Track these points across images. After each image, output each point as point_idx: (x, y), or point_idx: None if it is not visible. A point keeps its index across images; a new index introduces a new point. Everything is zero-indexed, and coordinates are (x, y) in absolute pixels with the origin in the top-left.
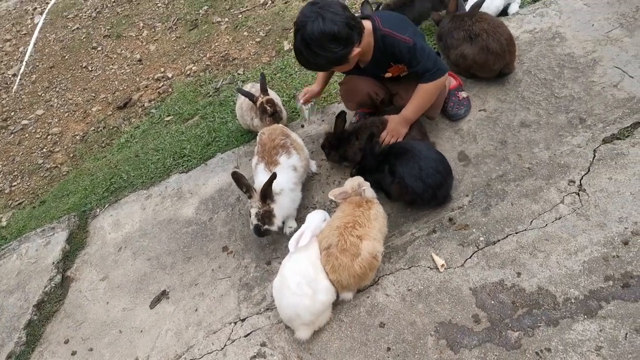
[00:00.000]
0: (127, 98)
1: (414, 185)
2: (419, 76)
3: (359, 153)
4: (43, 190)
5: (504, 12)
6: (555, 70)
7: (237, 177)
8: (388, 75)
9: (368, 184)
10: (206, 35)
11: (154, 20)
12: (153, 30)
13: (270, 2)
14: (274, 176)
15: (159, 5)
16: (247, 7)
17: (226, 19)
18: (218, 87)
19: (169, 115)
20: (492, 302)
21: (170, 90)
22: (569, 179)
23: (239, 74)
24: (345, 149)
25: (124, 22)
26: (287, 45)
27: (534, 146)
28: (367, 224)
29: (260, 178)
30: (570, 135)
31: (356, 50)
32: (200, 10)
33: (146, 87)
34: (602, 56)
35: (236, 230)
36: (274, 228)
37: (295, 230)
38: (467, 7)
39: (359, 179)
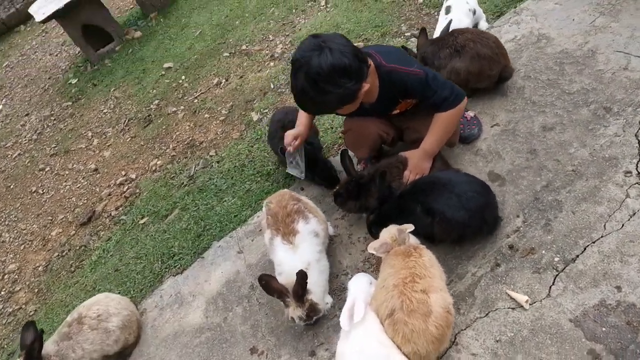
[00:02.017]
0: (90, 212)
1: (457, 216)
2: (436, 106)
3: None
4: (9, 339)
5: None
6: (555, 69)
7: (266, 283)
8: (396, 112)
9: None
10: (164, 127)
11: (102, 127)
12: (104, 136)
13: (224, 80)
14: (304, 276)
15: (104, 111)
16: (201, 90)
17: (182, 107)
18: (192, 174)
19: (143, 217)
20: (603, 329)
21: (137, 191)
22: (624, 170)
23: (210, 156)
24: (366, 198)
25: (69, 136)
26: (255, 116)
27: (568, 147)
28: (427, 274)
29: (279, 255)
30: (602, 126)
31: (366, 86)
32: (152, 106)
33: (109, 195)
34: (597, 45)
35: (261, 324)
36: (321, 313)
37: (332, 305)
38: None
39: (395, 227)
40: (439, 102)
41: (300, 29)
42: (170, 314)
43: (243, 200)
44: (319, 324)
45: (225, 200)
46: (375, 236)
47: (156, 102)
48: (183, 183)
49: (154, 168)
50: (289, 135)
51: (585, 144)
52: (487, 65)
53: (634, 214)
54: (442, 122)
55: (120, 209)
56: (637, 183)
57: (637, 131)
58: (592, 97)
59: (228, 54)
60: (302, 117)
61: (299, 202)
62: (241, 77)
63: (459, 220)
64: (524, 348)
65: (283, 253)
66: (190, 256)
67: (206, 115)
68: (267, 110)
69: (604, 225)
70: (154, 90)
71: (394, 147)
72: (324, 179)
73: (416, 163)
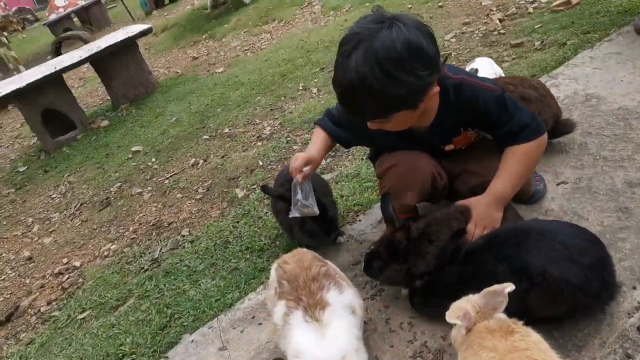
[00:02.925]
0: (12, 308)
1: (568, 275)
2: (512, 136)
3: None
4: None
5: None
6: (620, 125)
7: None
8: (450, 148)
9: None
10: (124, 209)
11: (48, 212)
12: (48, 222)
13: (202, 161)
14: None
15: (53, 196)
16: (173, 171)
17: (149, 188)
18: (156, 257)
19: (84, 311)
20: None
21: (80, 280)
22: None
23: (182, 235)
24: (415, 260)
25: (4, 223)
26: (240, 193)
27: None
28: None
29: (300, 339)
30: None
31: (435, 89)
32: (112, 188)
33: (41, 287)
34: None
35: None
36: None
37: None
38: None
39: (472, 296)
40: (517, 130)
41: (291, 112)
42: None
43: (227, 280)
44: None
45: (201, 283)
46: (424, 314)
47: (118, 184)
48: (144, 267)
49: (106, 253)
50: (298, 158)
51: None
52: (535, 109)
53: None
54: (521, 156)
55: (54, 303)
56: None
57: None
58: None
59: (208, 137)
60: (317, 142)
61: (326, 264)
62: (223, 156)
63: (571, 281)
64: None
65: (306, 335)
66: (148, 356)
67: (178, 195)
68: (255, 186)
69: None
70: (117, 174)
71: (438, 203)
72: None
73: (483, 212)
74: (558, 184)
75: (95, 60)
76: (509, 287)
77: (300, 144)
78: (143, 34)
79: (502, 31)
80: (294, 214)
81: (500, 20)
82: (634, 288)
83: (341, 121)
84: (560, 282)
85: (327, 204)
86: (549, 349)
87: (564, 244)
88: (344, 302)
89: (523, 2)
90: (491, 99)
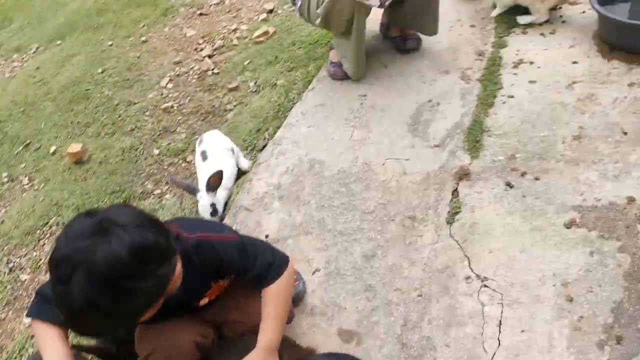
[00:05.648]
0: None
1: None
2: (260, 279)
3: None
4: None
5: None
6: (343, 191)
7: None
8: (204, 302)
9: None
10: None
11: None
12: None
13: None
14: None
15: None
16: None
17: None
18: None
19: None
20: None
21: None
22: (463, 276)
23: None
24: None
25: None
26: None
27: (400, 270)
28: None
29: None
30: (417, 237)
31: (178, 266)
32: None
33: None
34: (367, 157)
35: None
36: None
37: None
38: None
39: None
40: (263, 272)
41: (2, 222)
42: None
43: None
44: None
45: None
46: None
47: None
48: None
49: None
50: None
51: (413, 262)
52: None
53: (500, 322)
54: (274, 299)
55: None
56: (483, 286)
57: (450, 231)
58: (392, 209)
59: None
60: (49, 345)
61: None
62: None
63: None
64: None
65: None
66: None
67: None
68: None
69: (484, 348)
70: None
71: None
72: None
73: None
74: (313, 273)
75: None
76: None
77: (33, 269)
78: None
79: (215, 70)
80: None
81: (210, 57)
82: None
83: None
84: None
85: None
86: None
87: None
88: None
89: (225, 31)
90: (234, 249)
